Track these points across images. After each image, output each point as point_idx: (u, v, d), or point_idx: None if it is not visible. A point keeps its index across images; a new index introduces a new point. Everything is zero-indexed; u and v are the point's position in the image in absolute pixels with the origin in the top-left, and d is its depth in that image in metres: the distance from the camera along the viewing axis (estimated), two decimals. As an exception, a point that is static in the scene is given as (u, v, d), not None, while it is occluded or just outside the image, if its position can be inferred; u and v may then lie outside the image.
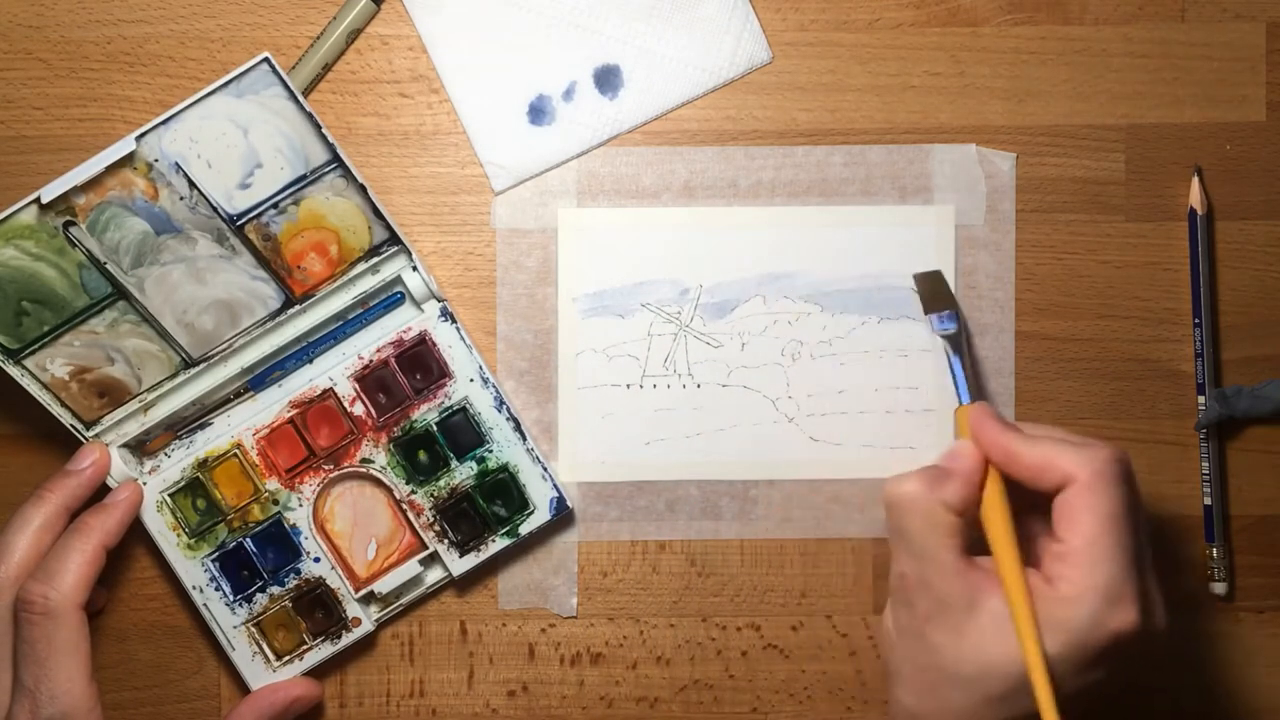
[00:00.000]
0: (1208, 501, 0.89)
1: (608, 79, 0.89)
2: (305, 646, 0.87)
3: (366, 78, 0.89)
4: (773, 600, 0.90)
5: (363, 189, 0.83)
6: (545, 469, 0.87)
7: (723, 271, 0.89)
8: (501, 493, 0.87)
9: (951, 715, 0.74)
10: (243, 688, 0.88)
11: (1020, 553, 0.74)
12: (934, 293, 0.86)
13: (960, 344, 0.84)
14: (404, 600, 0.89)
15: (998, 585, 0.74)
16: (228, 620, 0.87)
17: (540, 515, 0.87)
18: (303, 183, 0.83)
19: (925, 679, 0.75)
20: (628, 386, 0.89)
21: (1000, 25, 0.88)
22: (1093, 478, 0.72)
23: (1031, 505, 0.77)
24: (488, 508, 0.87)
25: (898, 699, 0.77)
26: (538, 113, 0.89)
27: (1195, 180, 0.88)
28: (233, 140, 0.81)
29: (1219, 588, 0.89)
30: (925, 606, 0.75)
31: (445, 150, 0.89)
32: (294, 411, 0.87)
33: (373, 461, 0.87)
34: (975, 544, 0.76)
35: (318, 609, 0.87)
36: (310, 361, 0.87)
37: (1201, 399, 0.88)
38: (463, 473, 0.87)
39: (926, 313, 0.86)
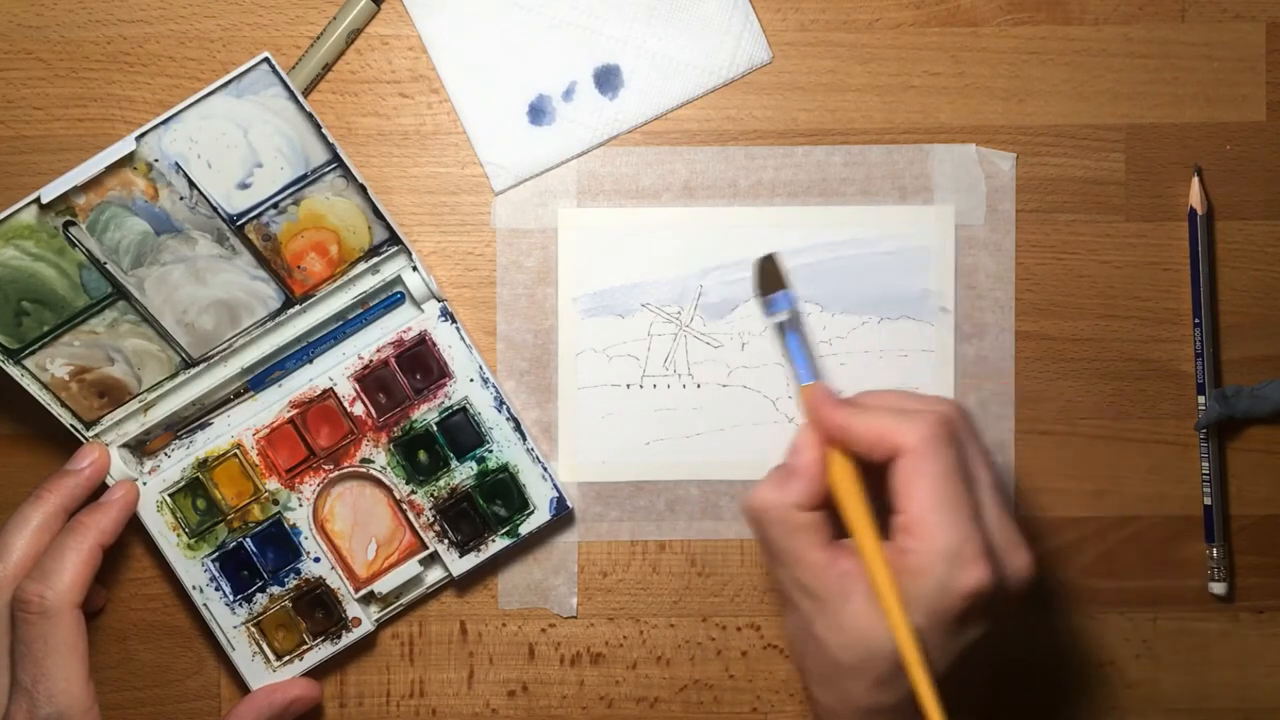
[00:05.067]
0: (1208, 501, 0.89)
1: (608, 79, 0.88)
2: (305, 646, 0.87)
3: (366, 78, 0.89)
4: (773, 600, 0.90)
5: (363, 189, 0.83)
6: (545, 469, 0.87)
7: (723, 271, 0.89)
8: (501, 493, 0.87)
9: (853, 703, 0.75)
10: (243, 688, 0.88)
11: (880, 528, 0.74)
12: (769, 275, 0.85)
13: (797, 324, 0.84)
14: (404, 600, 0.89)
15: (863, 569, 0.74)
16: (228, 620, 0.87)
17: (540, 515, 0.87)
18: (303, 183, 0.83)
19: (825, 674, 0.76)
20: (628, 386, 0.89)
21: (1000, 25, 0.88)
22: (919, 444, 0.72)
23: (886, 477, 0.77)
24: (488, 508, 0.87)
25: (812, 696, 0.78)
26: (538, 113, 0.89)
27: (1195, 180, 0.88)
28: (233, 140, 0.81)
29: (1219, 588, 0.89)
30: (806, 606, 0.75)
31: (445, 150, 0.89)
32: (294, 411, 0.87)
33: (373, 461, 0.87)
34: (841, 527, 0.76)
35: (318, 609, 0.87)
36: (310, 361, 0.88)
37: (1201, 399, 0.88)
38: (463, 473, 0.87)
39: (761, 295, 0.85)
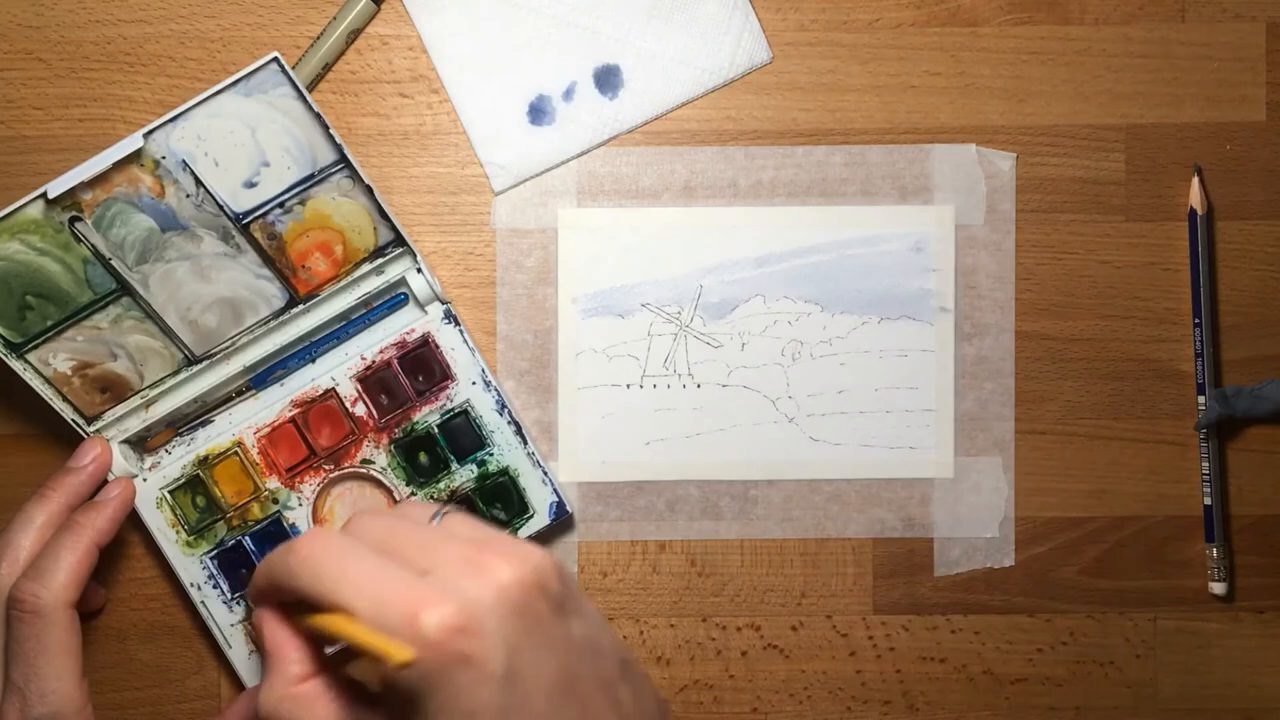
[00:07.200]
0: (1208, 501, 0.89)
1: (608, 79, 0.89)
2: (302, 647, 0.87)
3: (366, 78, 0.89)
4: (773, 600, 0.90)
5: (369, 190, 0.83)
6: (545, 473, 0.87)
7: (723, 271, 0.89)
8: (501, 496, 0.87)
9: None
10: (240, 686, 0.88)
11: None
12: None
13: None
14: (402, 602, 0.88)
15: None
16: (225, 618, 0.87)
17: (539, 520, 0.87)
18: (309, 183, 0.83)
19: None
20: (628, 386, 0.89)
21: (1000, 25, 0.88)
22: None
23: None
24: (487, 511, 0.87)
25: None
26: (538, 113, 0.89)
27: (1195, 180, 0.88)
28: (240, 139, 0.81)
29: (1219, 588, 0.89)
30: None
31: (445, 150, 0.89)
32: (295, 411, 0.86)
33: (373, 462, 0.87)
34: None
35: (315, 610, 0.87)
36: (313, 361, 0.87)
37: (1201, 399, 0.89)
38: (463, 475, 0.87)
39: None
